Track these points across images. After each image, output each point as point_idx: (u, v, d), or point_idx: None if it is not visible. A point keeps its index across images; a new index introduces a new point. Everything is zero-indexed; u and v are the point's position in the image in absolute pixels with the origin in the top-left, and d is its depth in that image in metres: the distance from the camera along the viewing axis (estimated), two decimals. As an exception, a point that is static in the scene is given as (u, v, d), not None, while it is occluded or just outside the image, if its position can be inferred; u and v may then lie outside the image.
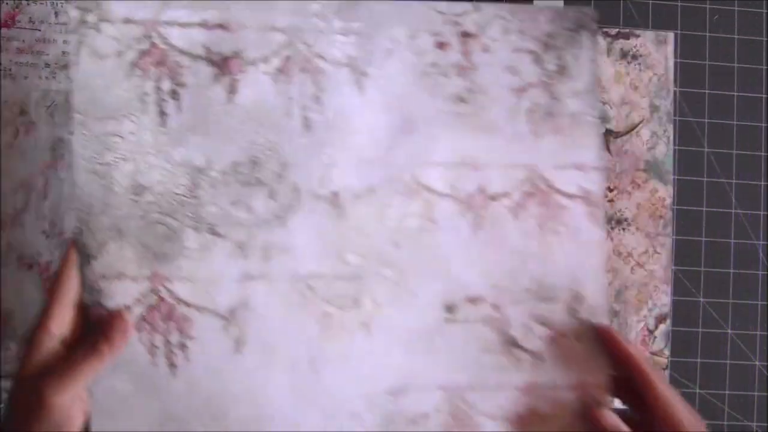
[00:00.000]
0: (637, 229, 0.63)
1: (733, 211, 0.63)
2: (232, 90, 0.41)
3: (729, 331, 0.62)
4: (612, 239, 0.63)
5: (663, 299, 0.63)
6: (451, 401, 0.43)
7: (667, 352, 0.62)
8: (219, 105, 0.41)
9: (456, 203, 0.44)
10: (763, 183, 0.64)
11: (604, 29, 0.65)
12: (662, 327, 0.62)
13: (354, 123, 0.43)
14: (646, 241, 0.63)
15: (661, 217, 0.64)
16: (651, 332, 0.62)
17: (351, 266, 0.43)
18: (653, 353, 0.62)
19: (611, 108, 0.64)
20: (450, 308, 0.43)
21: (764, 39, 0.65)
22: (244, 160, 0.41)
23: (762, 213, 0.63)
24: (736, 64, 0.64)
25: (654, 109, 0.64)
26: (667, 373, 0.62)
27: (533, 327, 0.44)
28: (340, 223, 0.43)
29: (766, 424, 0.62)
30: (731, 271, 0.63)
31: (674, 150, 0.64)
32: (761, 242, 0.63)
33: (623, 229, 0.63)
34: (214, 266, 0.41)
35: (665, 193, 0.64)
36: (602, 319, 0.44)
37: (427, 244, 0.44)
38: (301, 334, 0.42)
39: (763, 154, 0.64)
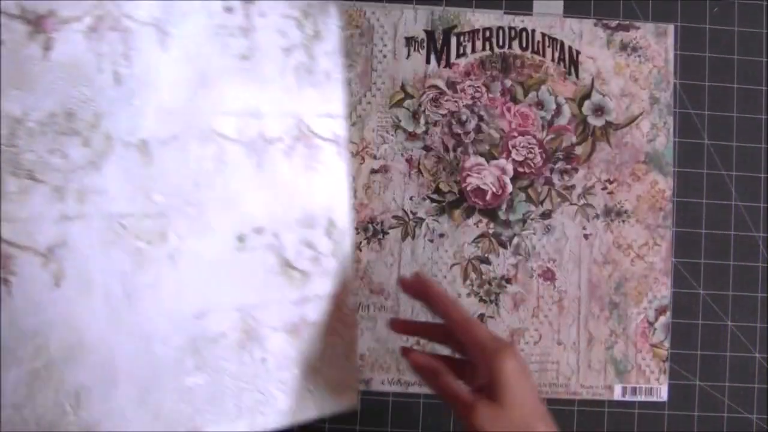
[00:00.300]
0: (637, 221, 0.63)
1: (733, 203, 0.63)
2: (47, 47, 0.44)
3: (729, 323, 0.62)
4: (612, 231, 0.62)
5: (663, 291, 0.62)
6: (243, 320, 0.49)
7: (667, 344, 0.61)
8: (35, 61, 0.44)
9: (242, 147, 0.50)
10: (763, 175, 0.63)
11: (604, 21, 0.64)
12: (662, 319, 0.62)
13: (158, 77, 0.47)
14: (646, 233, 0.62)
15: (661, 209, 0.63)
16: (651, 324, 0.61)
17: (158, 205, 0.47)
18: (653, 345, 0.61)
19: (611, 100, 0.64)
20: (240, 238, 0.49)
21: (764, 31, 0.64)
22: (60, 112, 0.44)
23: (762, 205, 0.63)
24: (736, 57, 0.64)
25: (654, 101, 0.64)
26: (667, 365, 0.61)
27: (302, 250, 0.51)
28: (148, 167, 0.47)
29: (766, 416, 0.61)
30: (731, 263, 0.62)
31: (674, 142, 0.63)
32: (761, 234, 0.63)
33: (623, 221, 0.62)
34: (33, 209, 0.44)
35: (665, 185, 0.63)
36: (349, 240, 0.53)
37: (221, 184, 0.49)
38: (115, 268, 0.46)
39: (763, 146, 0.63)
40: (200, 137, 0.49)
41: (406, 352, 0.50)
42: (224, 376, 0.50)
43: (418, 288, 0.49)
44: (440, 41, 0.63)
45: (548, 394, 0.60)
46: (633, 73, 0.63)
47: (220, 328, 0.49)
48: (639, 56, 0.64)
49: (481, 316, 0.61)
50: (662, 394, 0.60)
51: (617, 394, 0.61)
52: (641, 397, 0.60)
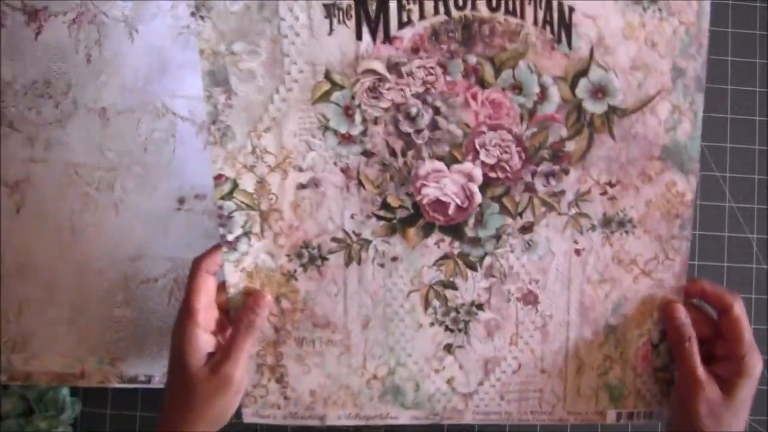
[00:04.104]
0: (645, 231, 0.46)
1: (727, 204, 0.57)
2: (38, 31, 0.54)
3: None
4: (611, 245, 0.46)
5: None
6: (176, 270, 0.54)
7: (674, 366, 0.47)
8: (27, 41, 0.54)
9: (193, 125, 0.54)
10: (756, 176, 0.57)
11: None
12: None
13: (123, 62, 0.54)
14: (655, 246, 0.46)
15: (677, 216, 0.45)
16: (655, 347, 0.47)
17: (109, 161, 0.54)
18: (657, 369, 0.48)
19: (617, 76, 0.43)
20: (181, 201, 0.54)
21: (758, 32, 0.58)
22: (40, 80, 0.54)
23: (756, 206, 0.57)
24: (730, 58, 0.57)
25: (678, 73, 0.43)
26: (672, 389, 0.49)
27: None
28: (105, 129, 0.54)
29: (759, 418, 0.57)
30: (725, 264, 0.57)
31: (702, 130, 0.46)
32: (755, 236, 0.57)
33: (626, 232, 0.46)
34: (8, 150, 0.54)
35: (686, 186, 0.44)
36: None
37: (168, 152, 0.54)
38: (66, 206, 0.53)
39: (756, 147, 0.57)
40: (154, 113, 0.54)
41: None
42: (152, 316, 0.53)
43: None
44: (374, 6, 0.42)
45: (530, 421, 0.49)
46: (650, 36, 0.43)
47: (152, 274, 0.53)
48: (660, 10, 0.43)
49: (448, 347, 0.47)
50: (664, 415, 0.49)
51: (611, 419, 0.50)
52: (639, 421, 0.51)
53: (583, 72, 0.44)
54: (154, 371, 0.53)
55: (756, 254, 0.57)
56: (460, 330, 0.48)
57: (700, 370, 0.43)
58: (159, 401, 0.56)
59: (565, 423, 0.50)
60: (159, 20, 0.54)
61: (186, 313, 0.43)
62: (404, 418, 0.49)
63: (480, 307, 0.48)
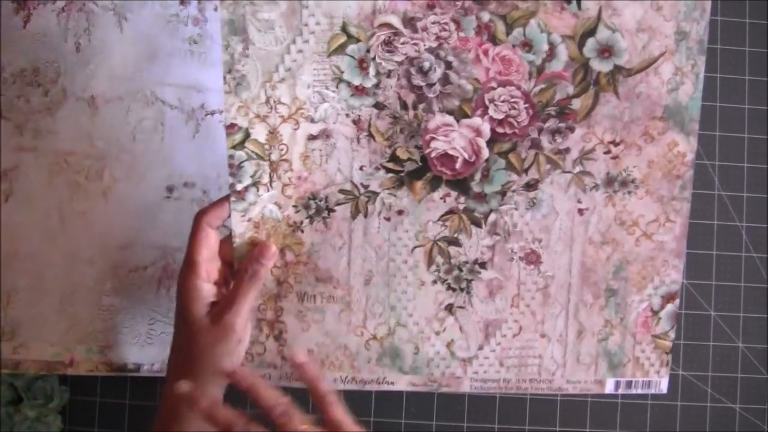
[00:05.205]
0: (647, 192, 0.46)
1: (716, 192, 0.57)
2: (27, 20, 0.53)
3: (712, 312, 0.56)
4: (614, 205, 0.47)
5: (673, 275, 0.48)
6: (164, 258, 0.53)
7: (672, 335, 0.48)
8: (16, 29, 0.52)
9: (182, 114, 0.53)
10: (746, 165, 0.57)
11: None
12: (669, 307, 0.48)
13: (112, 51, 0.53)
14: (657, 207, 0.47)
15: (678, 176, 0.46)
16: (655, 313, 0.48)
17: (98, 149, 0.52)
18: (656, 336, 0.49)
19: (623, 37, 0.43)
20: (170, 189, 0.53)
21: (747, 21, 0.57)
22: (29, 68, 0.52)
23: (745, 195, 0.57)
24: (719, 46, 0.57)
25: (681, 36, 0.44)
26: (669, 357, 0.51)
27: None
28: (94, 118, 0.53)
29: (749, 406, 0.56)
30: (714, 252, 0.57)
31: (703, 92, 0.47)
32: (744, 224, 0.57)
33: (629, 192, 0.46)
34: None
35: (687, 146, 0.45)
36: None
37: (157, 141, 0.53)
38: (55, 195, 0.52)
39: (746, 136, 0.57)
40: (143, 101, 0.52)
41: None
42: (141, 305, 0.52)
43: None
44: (392, -39, 0.40)
45: (528, 390, 0.49)
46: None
47: (141, 262, 0.52)
48: (665, -25, 0.41)
49: (449, 307, 0.47)
50: (662, 386, 0.50)
51: (609, 389, 0.50)
52: (638, 391, 0.51)
53: (591, 32, 0.44)
54: (143, 360, 0.52)
55: (745, 243, 0.57)
56: (462, 289, 0.48)
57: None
58: (148, 390, 0.56)
59: (563, 392, 0.50)
60: (148, 9, 0.53)
61: (187, 265, 0.43)
62: (401, 383, 0.48)
63: (483, 265, 0.47)
